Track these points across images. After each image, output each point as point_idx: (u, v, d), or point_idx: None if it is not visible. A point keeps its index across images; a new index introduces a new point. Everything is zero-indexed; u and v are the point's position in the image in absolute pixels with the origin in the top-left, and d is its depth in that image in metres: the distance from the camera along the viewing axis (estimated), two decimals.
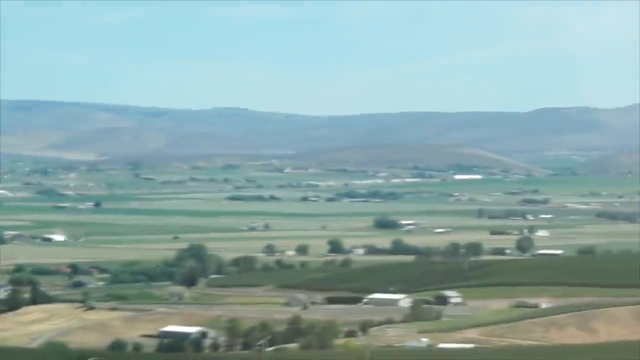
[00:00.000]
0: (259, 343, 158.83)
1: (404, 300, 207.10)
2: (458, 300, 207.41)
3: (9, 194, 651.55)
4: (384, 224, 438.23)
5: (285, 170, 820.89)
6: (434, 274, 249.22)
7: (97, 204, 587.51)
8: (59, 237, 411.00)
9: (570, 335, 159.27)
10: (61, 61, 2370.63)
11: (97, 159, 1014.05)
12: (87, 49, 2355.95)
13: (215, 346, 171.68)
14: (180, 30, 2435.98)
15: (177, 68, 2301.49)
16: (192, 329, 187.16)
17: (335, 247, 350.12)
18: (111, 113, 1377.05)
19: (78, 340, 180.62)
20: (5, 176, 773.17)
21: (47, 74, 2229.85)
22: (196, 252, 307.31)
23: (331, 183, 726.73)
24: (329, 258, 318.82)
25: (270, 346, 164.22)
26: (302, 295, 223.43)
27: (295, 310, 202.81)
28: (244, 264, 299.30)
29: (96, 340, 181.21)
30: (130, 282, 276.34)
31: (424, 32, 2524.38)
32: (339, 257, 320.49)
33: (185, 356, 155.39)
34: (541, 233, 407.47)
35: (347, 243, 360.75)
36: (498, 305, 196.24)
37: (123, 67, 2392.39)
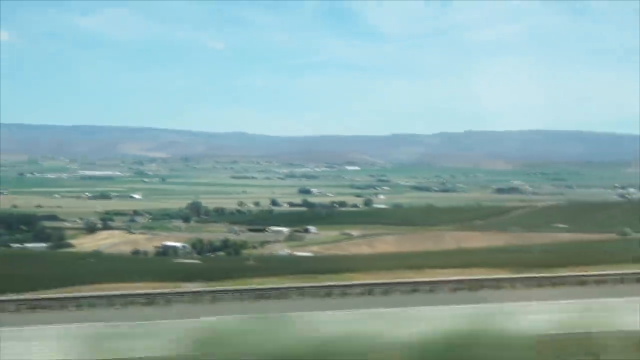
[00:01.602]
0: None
1: (286, 230, 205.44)
2: (315, 231, 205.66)
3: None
4: (303, 191, 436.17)
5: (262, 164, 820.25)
6: (311, 217, 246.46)
7: (163, 179, 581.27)
8: (138, 196, 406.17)
9: (362, 249, 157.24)
10: None
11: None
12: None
13: (184, 254, 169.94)
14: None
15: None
16: (177, 244, 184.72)
17: (274, 202, 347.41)
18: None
19: (118, 249, 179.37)
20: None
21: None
22: (195, 204, 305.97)
23: (285, 170, 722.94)
24: (265, 208, 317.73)
25: (211, 253, 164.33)
26: (236, 227, 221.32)
27: (230, 235, 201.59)
28: (220, 211, 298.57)
29: (128, 249, 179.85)
30: (161, 220, 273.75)
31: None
32: (273, 208, 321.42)
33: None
34: (381, 197, 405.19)
35: (280, 200, 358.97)
36: (333, 234, 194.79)
37: None
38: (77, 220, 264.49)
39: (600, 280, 46.40)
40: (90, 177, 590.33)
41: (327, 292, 45.34)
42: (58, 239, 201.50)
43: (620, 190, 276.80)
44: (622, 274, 47.59)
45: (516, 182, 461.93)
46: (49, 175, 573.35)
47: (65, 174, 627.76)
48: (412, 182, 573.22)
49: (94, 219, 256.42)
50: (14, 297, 44.54)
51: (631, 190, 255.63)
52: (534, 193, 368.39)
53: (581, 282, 45.28)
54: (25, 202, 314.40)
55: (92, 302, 44.55)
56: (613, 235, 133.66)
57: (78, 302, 44.10)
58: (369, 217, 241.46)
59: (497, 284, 46.93)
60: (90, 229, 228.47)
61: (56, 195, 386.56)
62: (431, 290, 44.80)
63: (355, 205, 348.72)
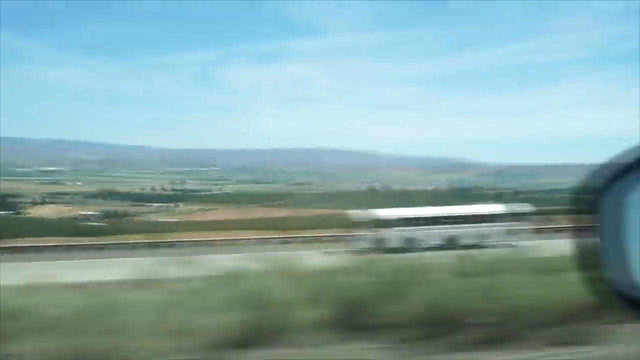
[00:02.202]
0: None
1: (164, 205, 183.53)
2: (182, 206, 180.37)
3: None
4: (180, 182, 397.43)
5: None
6: (182, 197, 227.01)
7: (95, 173, 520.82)
8: (79, 183, 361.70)
9: (202, 218, 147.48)
10: None
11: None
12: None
13: (95, 219, 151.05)
14: None
15: None
16: (92, 212, 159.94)
17: (161, 188, 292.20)
18: None
19: (54, 216, 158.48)
20: None
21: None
22: (108, 190, 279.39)
23: (172, 169, 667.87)
24: (154, 192, 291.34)
25: (112, 219, 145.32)
26: (134, 202, 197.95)
27: (127, 208, 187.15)
28: (125, 193, 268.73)
29: (60, 216, 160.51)
30: (87, 198, 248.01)
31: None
32: (161, 192, 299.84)
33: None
34: (229, 186, 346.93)
35: (165, 187, 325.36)
36: (193, 208, 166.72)
37: None
38: (32, 197, 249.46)
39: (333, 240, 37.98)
40: (49, 172, 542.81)
41: (171, 244, 41.58)
42: (18, 208, 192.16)
43: (367, 184, 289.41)
44: (336, 235, 39.36)
45: (308, 179, 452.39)
46: (27, 170, 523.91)
47: (35, 169, 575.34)
48: (250, 177, 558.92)
49: (44, 197, 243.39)
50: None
51: (375, 185, 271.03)
52: (318, 185, 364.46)
53: (317, 239, 36.70)
54: (9, 186, 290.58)
55: (33, 249, 45.15)
56: (347, 211, 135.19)
57: (34, 249, 44.87)
58: (216, 198, 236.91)
59: (265, 241, 37.18)
60: (40, 203, 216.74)
61: (26, 183, 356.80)
62: (219, 245, 37.11)
63: (210, 191, 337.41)
